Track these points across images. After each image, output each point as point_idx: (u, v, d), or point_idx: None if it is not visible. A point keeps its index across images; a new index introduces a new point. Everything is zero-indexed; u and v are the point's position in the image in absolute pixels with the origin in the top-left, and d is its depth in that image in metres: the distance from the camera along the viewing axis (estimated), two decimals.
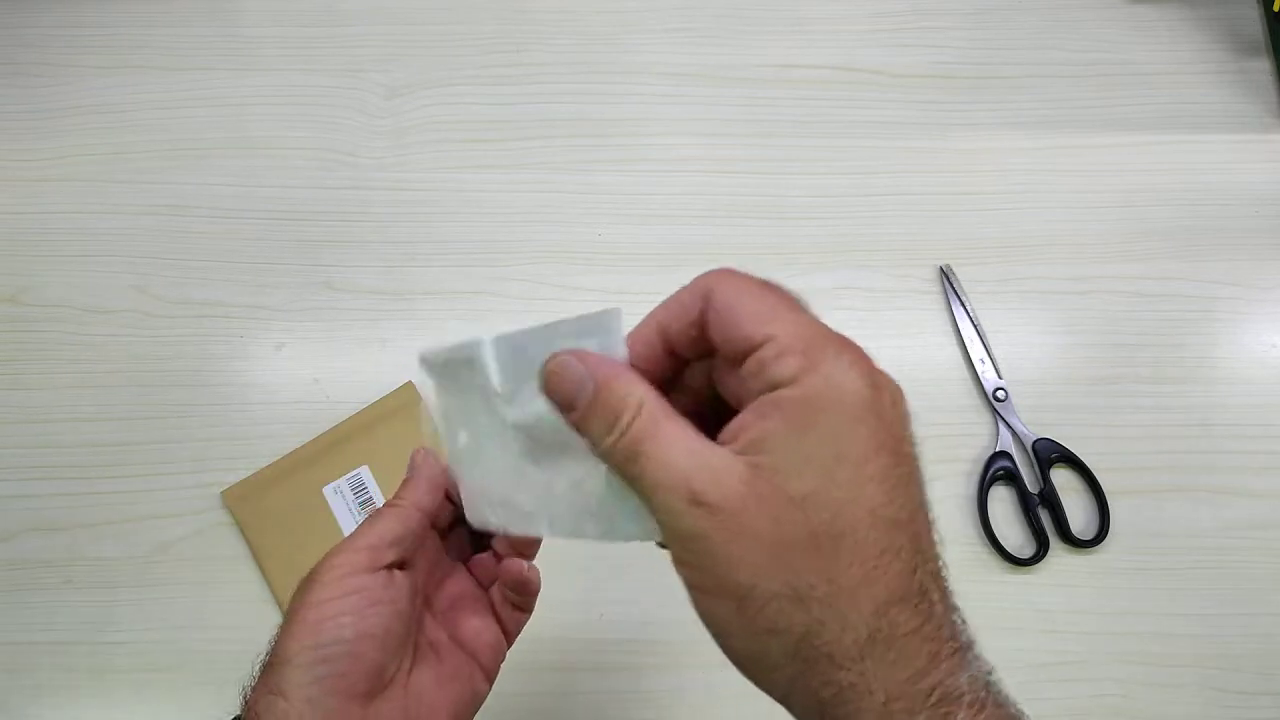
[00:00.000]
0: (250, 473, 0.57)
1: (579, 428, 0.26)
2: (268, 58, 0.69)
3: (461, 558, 0.40)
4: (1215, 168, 0.66)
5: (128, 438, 0.58)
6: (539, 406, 0.29)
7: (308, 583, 0.33)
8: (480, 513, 0.35)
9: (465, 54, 0.69)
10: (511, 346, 0.32)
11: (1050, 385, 0.60)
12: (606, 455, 0.26)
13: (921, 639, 0.23)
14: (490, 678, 0.37)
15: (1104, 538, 0.56)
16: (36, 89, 0.68)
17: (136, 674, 0.54)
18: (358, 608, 0.32)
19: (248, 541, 0.55)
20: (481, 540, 0.39)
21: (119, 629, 0.55)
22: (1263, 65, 0.69)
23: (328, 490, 0.56)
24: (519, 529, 0.33)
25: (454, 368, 0.34)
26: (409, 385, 0.59)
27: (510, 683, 0.54)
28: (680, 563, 0.25)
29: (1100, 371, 0.60)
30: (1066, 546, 0.56)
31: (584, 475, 0.29)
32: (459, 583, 0.39)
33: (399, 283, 0.62)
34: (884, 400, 0.24)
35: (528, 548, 0.38)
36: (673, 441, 0.24)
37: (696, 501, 0.23)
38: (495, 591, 0.39)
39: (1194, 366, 0.60)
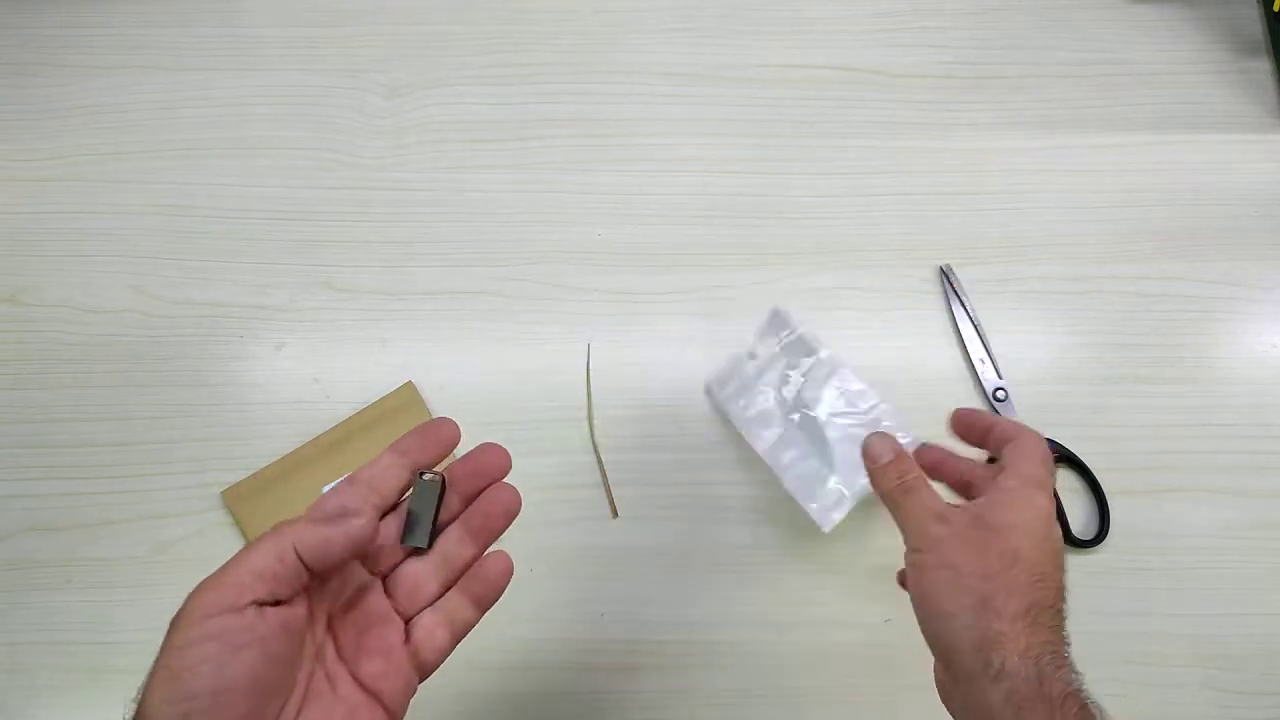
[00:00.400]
0: (250, 473, 0.57)
1: (874, 474, 0.43)
2: (268, 58, 0.69)
3: (387, 568, 0.37)
4: (1215, 168, 0.66)
5: (127, 438, 0.59)
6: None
7: (173, 624, 0.30)
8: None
9: (465, 54, 0.69)
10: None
11: (1050, 385, 0.60)
12: (888, 491, 0.42)
13: (1050, 627, 0.37)
14: (395, 718, 0.34)
15: (1104, 538, 0.56)
16: (36, 89, 0.68)
17: (135, 674, 0.54)
18: (218, 654, 0.29)
19: (248, 541, 0.55)
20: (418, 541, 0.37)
21: (118, 629, 0.55)
22: (1263, 65, 0.69)
23: (328, 490, 0.56)
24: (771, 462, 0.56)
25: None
26: (409, 385, 0.59)
27: (510, 683, 0.54)
28: (917, 551, 0.40)
29: (1100, 371, 0.60)
30: (1066, 546, 0.56)
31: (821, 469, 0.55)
32: (373, 606, 0.35)
33: (399, 283, 0.62)
34: (1050, 508, 0.41)
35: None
36: (929, 493, 0.42)
37: (941, 519, 0.40)
38: (453, 595, 0.37)
39: (1194, 366, 0.60)
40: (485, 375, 0.60)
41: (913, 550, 0.40)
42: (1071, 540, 0.56)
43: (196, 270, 0.63)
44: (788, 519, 0.56)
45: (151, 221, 0.64)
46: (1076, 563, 0.56)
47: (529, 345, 0.61)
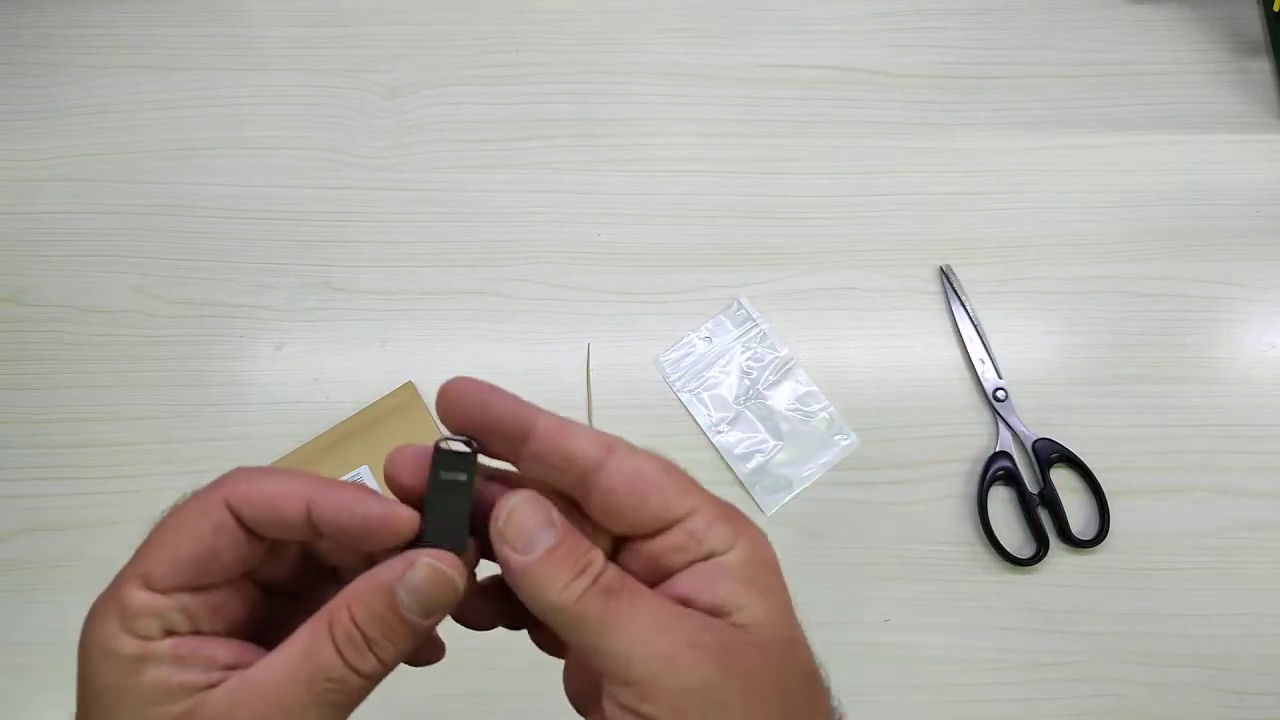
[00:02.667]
0: None
1: (531, 574, 0.24)
2: (268, 58, 0.69)
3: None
4: (1215, 168, 0.66)
5: (127, 438, 0.58)
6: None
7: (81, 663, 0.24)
8: None
9: (465, 54, 0.69)
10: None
11: (1050, 385, 0.60)
12: (567, 605, 0.24)
13: None
14: None
15: (1104, 538, 0.56)
16: (36, 89, 0.68)
17: None
18: None
19: None
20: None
21: None
22: (1263, 65, 0.69)
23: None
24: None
25: None
26: (409, 385, 0.59)
27: (509, 684, 0.54)
28: (646, 701, 0.23)
29: (1100, 371, 0.60)
30: (1066, 547, 0.56)
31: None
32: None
33: (399, 283, 0.62)
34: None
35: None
36: (649, 596, 0.25)
37: (690, 642, 0.24)
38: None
39: (1194, 366, 0.60)
40: (485, 375, 0.59)
41: (636, 699, 0.23)
42: (1071, 540, 0.56)
43: (196, 270, 0.63)
44: (788, 519, 0.56)
45: (151, 221, 0.64)
46: (1077, 563, 0.56)
47: (529, 345, 0.61)
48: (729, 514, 0.26)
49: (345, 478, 0.56)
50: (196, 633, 0.25)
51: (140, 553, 0.25)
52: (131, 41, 0.69)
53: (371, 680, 0.25)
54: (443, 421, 0.26)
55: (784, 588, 0.26)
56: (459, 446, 0.26)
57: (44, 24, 0.70)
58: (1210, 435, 0.59)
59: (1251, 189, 0.65)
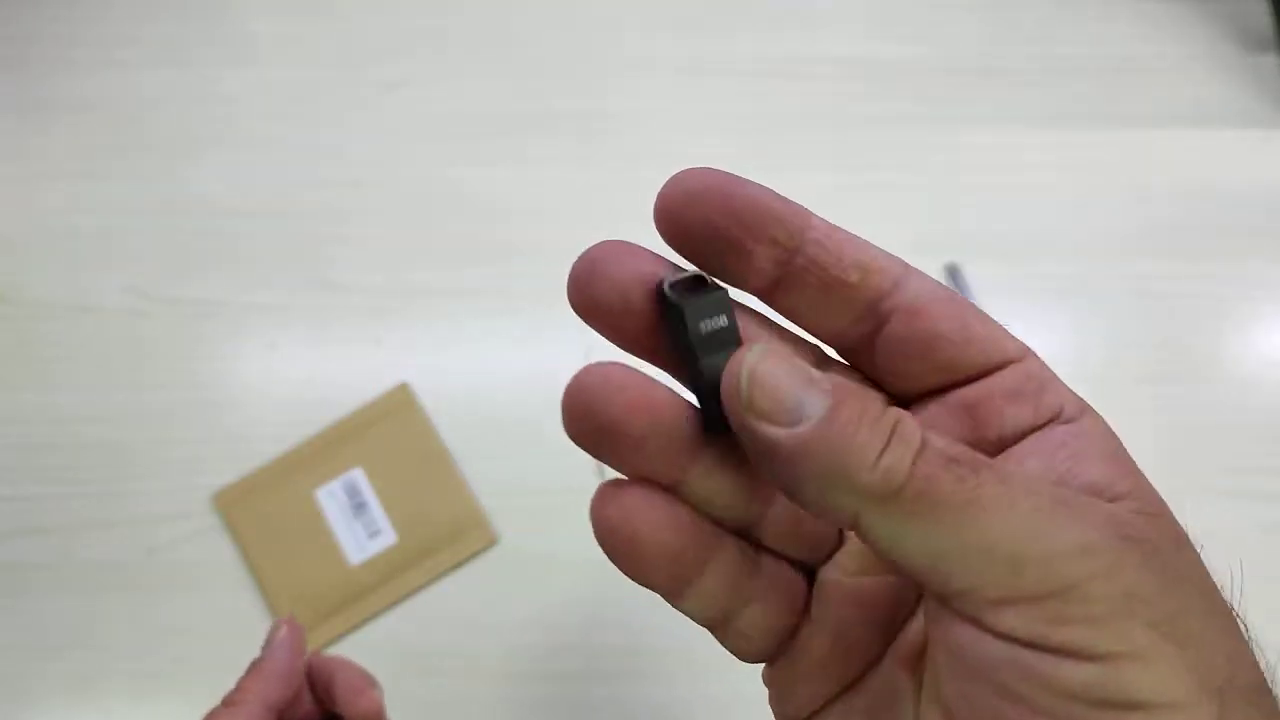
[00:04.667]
0: (243, 475, 0.56)
1: (805, 451, 0.17)
2: (263, 53, 0.68)
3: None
4: (1224, 164, 0.65)
5: (119, 439, 0.58)
6: None
7: None
8: None
9: (464, 50, 0.68)
10: None
11: None
12: (901, 490, 0.16)
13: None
14: None
15: None
16: (29, 84, 0.67)
17: (126, 678, 0.53)
18: None
19: (240, 545, 0.55)
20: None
21: (109, 632, 0.54)
22: (1271, 60, 0.68)
23: (321, 493, 0.55)
24: None
25: None
26: (403, 386, 0.58)
27: (511, 690, 0.53)
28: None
29: (1104, 371, 0.59)
30: None
31: None
32: None
33: (395, 282, 0.61)
34: None
35: None
36: (1029, 478, 0.17)
37: (1125, 537, 0.17)
38: None
39: (1203, 365, 0.59)
40: (482, 376, 0.59)
41: (1045, 621, 0.15)
42: None
43: (189, 268, 0.62)
44: None
45: (144, 219, 0.63)
46: None
47: (528, 345, 0.60)
48: (1053, 377, 0.19)
49: (338, 480, 0.55)
50: None
51: None
52: (125, 37, 0.68)
53: None
54: (671, 235, 0.19)
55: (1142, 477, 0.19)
56: (690, 277, 0.18)
57: (36, 18, 0.69)
58: (1218, 436, 0.58)
59: (1260, 185, 0.64)
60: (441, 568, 0.54)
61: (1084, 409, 0.19)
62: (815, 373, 0.17)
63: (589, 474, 0.57)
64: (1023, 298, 0.61)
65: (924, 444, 0.16)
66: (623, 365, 0.18)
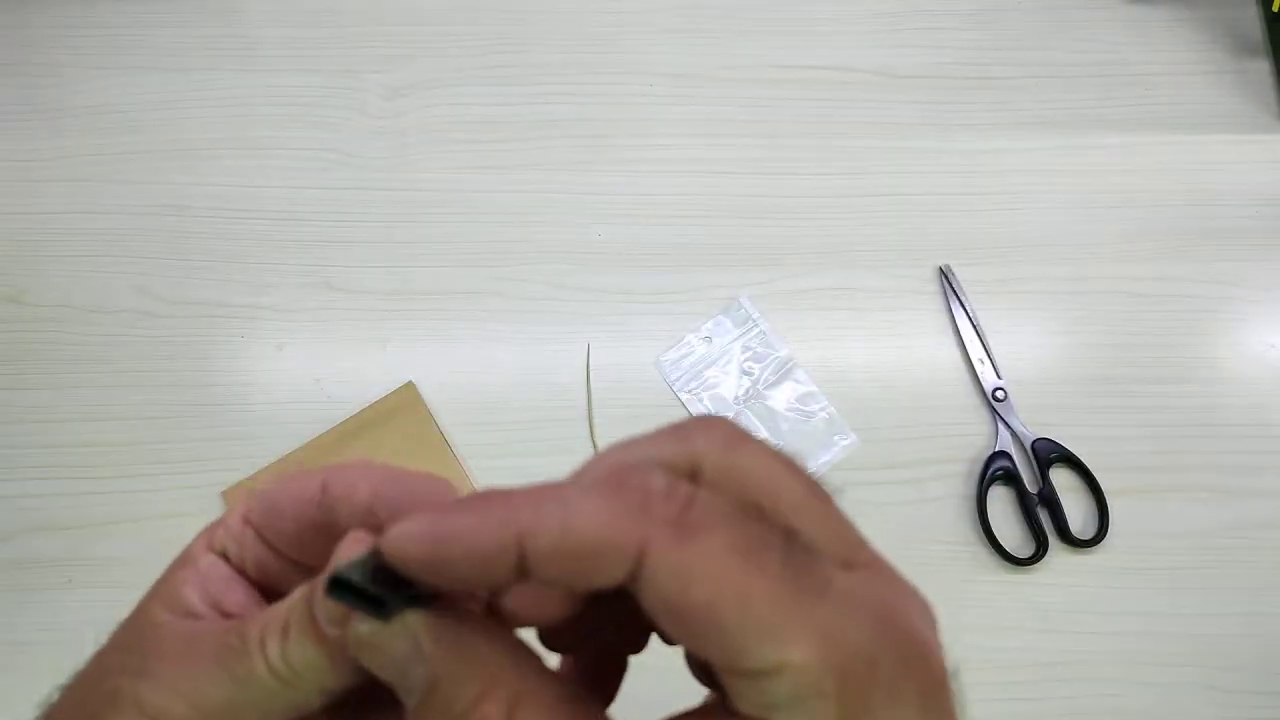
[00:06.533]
0: (250, 473, 0.57)
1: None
2: (268, 58, 0.69)
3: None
4: (1214, 168, 0.66)
5: (128, 438, 0.59)
6: None
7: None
8: None
9: (466, 54, 0.69)
10: None
11: (1050, 385, 0.60)
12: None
13: None
14: None
15: (1103, 538, 0.56)
16: (37, 89, 0.68)
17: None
18: None
19: None
20: None
21: None
22: (1262, 66, 0.69)
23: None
24: None
25: None
26: (409, 385, 0.59)
27: None
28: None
29: (1100, 371, 0.60)
30: (1066, 546, 0.56)
31: None
32: None
33: (399, 283, 0.62)
34: None
35: None
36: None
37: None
38: None
39: (1194, 366, 0.60)
40: (485, 375, 0.60)
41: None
42: (1071, 540, 0.56)
43: (197, 270, 0.63)
44: None
45: (152, 221, 0.64)
46: (1076, 562, 0.56)
47: (529, 345, 0.61)
48: (852, 676, 0.16)
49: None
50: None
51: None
52: (131, 41, 0.69)
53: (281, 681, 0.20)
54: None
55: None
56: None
57: (44, 23, 0.70)
58: (1210, 435, 0.59)
59: (1251, 189, 0.65)
60: None
61: None
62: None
63: None
64: (1014, 300, 0.62)
65: None
66: None
